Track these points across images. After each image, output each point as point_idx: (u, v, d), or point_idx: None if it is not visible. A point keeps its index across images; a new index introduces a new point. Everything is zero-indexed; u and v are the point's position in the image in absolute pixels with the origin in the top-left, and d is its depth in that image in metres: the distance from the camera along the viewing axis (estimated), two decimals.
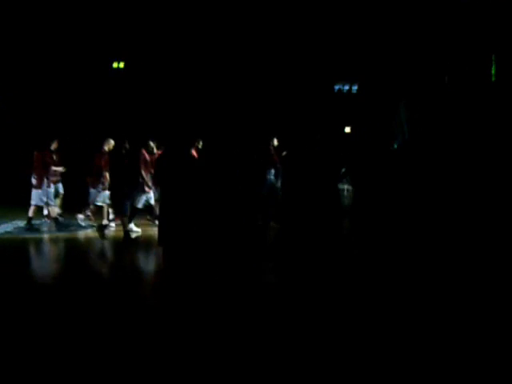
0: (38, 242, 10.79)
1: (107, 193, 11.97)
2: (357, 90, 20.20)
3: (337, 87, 20.38)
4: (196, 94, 18.80)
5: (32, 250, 10.22)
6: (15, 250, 9.99)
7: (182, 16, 18.21)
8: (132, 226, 11.48)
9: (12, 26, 17.94)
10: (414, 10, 14.22)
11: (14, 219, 13.00)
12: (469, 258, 8.31)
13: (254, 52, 18.64)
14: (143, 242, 10.76)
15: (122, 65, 20.07)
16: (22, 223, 12.55)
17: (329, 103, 19.58)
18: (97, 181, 11.97)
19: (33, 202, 11.99)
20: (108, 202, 12.11)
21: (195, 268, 7.41)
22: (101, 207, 12.42)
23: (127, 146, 11.02)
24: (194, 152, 10.88)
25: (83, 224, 12.43)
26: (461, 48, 12.83)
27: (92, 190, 12.17)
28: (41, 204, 12.18)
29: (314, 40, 18.45)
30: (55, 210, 12.28)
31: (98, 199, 12.21)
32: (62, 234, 11.58)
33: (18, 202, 14.98)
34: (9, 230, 11.95)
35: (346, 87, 20.09)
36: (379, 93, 17.95)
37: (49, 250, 10.49)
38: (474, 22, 12.31)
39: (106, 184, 11.91)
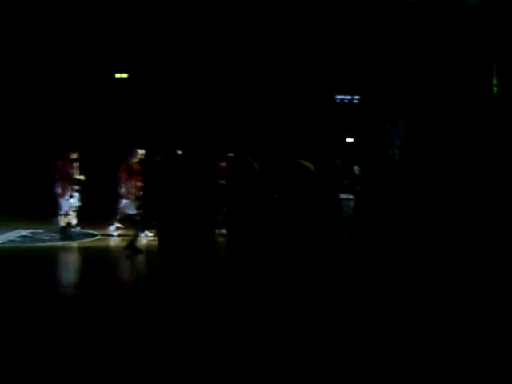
0: (41, 251, 10.79)
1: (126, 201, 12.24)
2: (358, 100, 20.27)
3: (338, 98, 20.45)
4: (198, 103, 18.87)
5: (34, 258, 10.20)
6: (17, 259, 10.01)
7: (184, 27, 18.32)
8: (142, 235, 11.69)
9: (19, 36, 18.05)
10: (415, 20, 14.29)
11: (16, 228, 13.03)
12: (469, 266, 8.32)
13: (257, 63, 18.73)
14: (148, 252, 10.84)
15: (125, 75, 20.18)
16: (24, 232, 12.60)
17: (330, 114, 19.64)
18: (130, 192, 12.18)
19: (61, 212, 12.08)
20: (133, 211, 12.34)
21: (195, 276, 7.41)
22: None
23: (158, 157, 11.04)
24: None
25: (115, 233, 12.54)
26: (461, 58, 12.88)
27: (125, 201, 12.27)
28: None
29: (315, 51, 18.54)
30: (66, 220, 12.28)
31: (129, 210, 12.37)
32: (68, 244, 11.60)
33: (21, 211, 15.04)
34: (11, 238, 11.98)
35: (348, 98, 20.16)
36: (380, 103, 18.01)
37: (52, 259, 10.44)
38: (475, 31, 12.37)
39: (132, 194, 12.14)
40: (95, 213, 14.19)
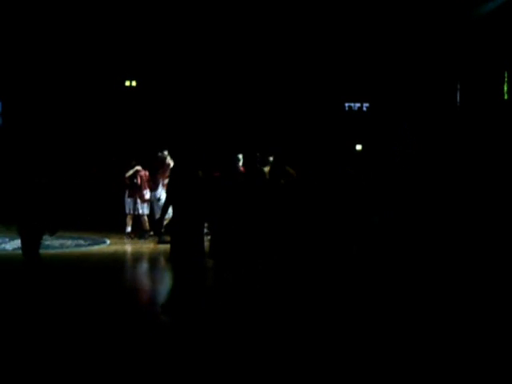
0: (49, 258, 10.71)
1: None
2: (367, 108, 20.24)
3: (347, 105, 20.42)
4: (207, 110, 18.92)
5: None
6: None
7: (194, 35, 18.39)
8: None
9: (27, 43, 18.18)
10: (427, 28, 14.25)
11: None
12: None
13: (265, 70, 18.76)
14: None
15: (134, 83, 20.23)
16: None
17: (339, 121, 19.62)
18: None
19: (146, 212, 12.74)
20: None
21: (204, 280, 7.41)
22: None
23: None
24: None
25: None
26: (473, 65, 12.84)
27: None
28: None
29: (324, 58, 18.55)
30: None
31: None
32: (76, 250, 11.60)
33: None
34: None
35: (357, 105, 20.12)
36: (390, 111, 17.99)
37: (59, 265, 10.33)
38: (486, 39, 12.33)
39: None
40: (105, 219, 14.35)
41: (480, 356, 5.40)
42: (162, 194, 11.93)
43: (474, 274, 8.31)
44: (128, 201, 12.72)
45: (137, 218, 12.87)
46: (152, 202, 12.52)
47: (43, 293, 7.79)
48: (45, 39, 18.23)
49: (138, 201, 12.67)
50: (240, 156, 9.66)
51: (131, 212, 12.71)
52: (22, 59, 18.38)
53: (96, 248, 11.92)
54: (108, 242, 12.58)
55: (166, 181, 11.57)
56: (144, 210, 12.73)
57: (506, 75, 12.11)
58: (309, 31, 17.86)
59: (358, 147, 19.22)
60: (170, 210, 10.17)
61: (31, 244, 7.33)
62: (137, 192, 12.67)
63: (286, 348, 5.63)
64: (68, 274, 9.45)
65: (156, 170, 12.51)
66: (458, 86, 13.75)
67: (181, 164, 7.59)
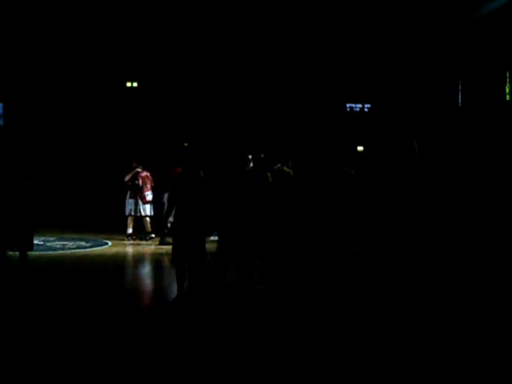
0: (51, 259, 10.73)
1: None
2: (369, 108, 20.23)
3: (348, 106, 20.43)
4: (208, 111, 18.93)
5: (43, 267, 9.98)
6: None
7: (196, 37, 18.40)
8: None
9: (28, 45, 18.20)
10: (428, 29, 14.25)
11: None
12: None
13: (267, 72, 18.76)
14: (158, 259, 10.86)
15: (135, 84, 20.25)
16: (36, 240, 12.48)
17: (341, 122, 19.62)
18: None
19: (148, 213, 12.80)
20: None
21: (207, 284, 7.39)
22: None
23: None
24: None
25: None
26: (475, 66, 12.84)
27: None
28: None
29: (326, 60, 18.55)
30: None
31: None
32: (78, 252, 11.58)
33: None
34: None
35: (359, 106, 20.12)
36: (391, 112, 17.99)
37: (61, 267, 10.29)
38: (488, 40, 12.33)
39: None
40: (106, 220, 14.34)
41: (480, 356, 5.39)
42: None
43: (476, 276, 8.28)
44: (129, 202, 12.68)
45: (138, 220, 12.85)
46: (163, 204, 12.43)
47: (43, 294, 7.79)
48: (46, 41, 18.25)
49: (140, 202, 12.64)
50: (250, 157, 9.64)
51: (132, 213, 12.68)
52: (24, 61, 18.41)
53: (97, 249, 11.89)
54: (109, 243, 12.56)
55: None
56: (146, 211, 12.70)
57: (507, 76, 12.10)
58: (310, 33, 17.86)
59: (360, 148, 19.22)
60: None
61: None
62: (138, 193, 12.63)
63: (287, 348, 5.62)
64: (69, 275, 9.39)
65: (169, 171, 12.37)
66: (460, 87, 13.75)
67: (182, 165, 7.57)
